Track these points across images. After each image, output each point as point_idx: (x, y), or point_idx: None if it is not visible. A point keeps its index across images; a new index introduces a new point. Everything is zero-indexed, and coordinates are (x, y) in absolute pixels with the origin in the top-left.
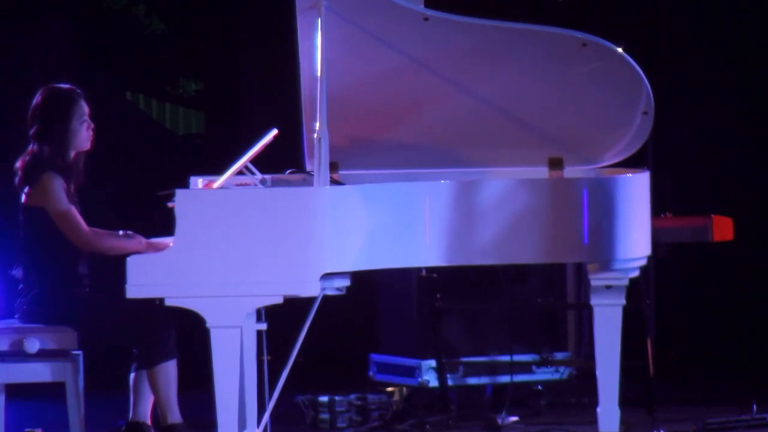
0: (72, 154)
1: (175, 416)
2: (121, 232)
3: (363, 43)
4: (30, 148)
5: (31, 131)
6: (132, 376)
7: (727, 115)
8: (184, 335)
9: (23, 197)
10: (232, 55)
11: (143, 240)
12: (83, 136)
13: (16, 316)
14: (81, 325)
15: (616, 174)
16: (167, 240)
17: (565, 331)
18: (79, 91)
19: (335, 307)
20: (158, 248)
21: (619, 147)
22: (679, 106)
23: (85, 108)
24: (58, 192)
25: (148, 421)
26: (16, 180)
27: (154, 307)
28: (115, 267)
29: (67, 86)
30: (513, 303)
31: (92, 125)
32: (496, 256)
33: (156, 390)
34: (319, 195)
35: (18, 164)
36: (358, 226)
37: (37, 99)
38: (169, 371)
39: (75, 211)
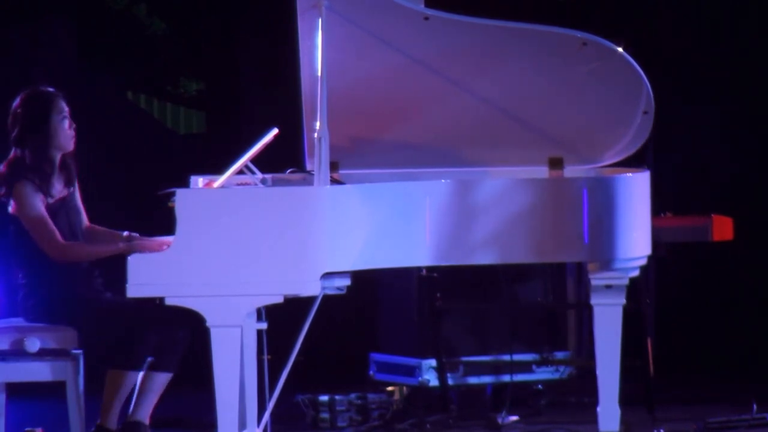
0: (56, 156)
1: (111, 422)
2: (125, 233)
3: (364, 42)
4: (11, 154)
5: (12, 135)
6: (141, 374)
7: (727, 114)
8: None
9: (8, 206)
10: (232, 55)
11: (124, 243)
12: (65, 135)
13: (21, 318)
14: (80, 325)
15: (616, 173)
16: (159, 239)
17: (566, 330)
18: (58, 92)
19: (335, 306)
20: (144, 247)
21: (619, 146)
22: (679, 106)
23: (65, 106)
24: (30, 200)
25: (147, 421)
26: (1, 192)
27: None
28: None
29: (46, 88)
30: (513, 302)
31: (74, 125)
32: (497, 256)
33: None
34: (319, 194)
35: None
36: (359, 226)
37: (15, 102)
38: (116, 379)
39: (47, 221)
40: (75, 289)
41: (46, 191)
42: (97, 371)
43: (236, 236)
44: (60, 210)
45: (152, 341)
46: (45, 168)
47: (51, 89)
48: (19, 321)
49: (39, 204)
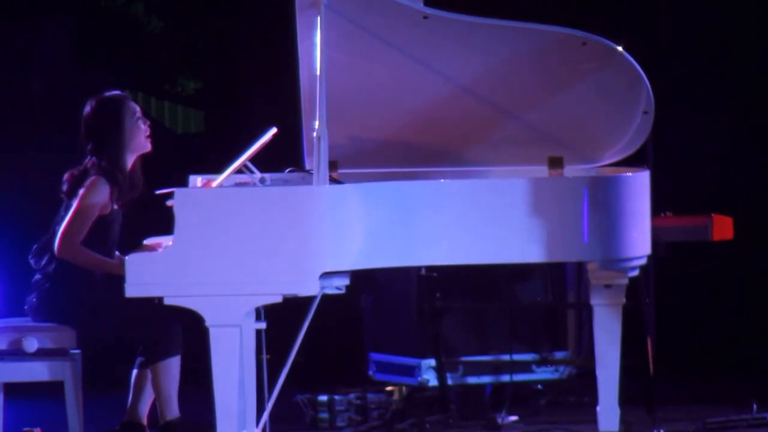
0: (131, 159)
1: (173, 412)
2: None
3: (362, 41)
4: (86, 161)
5: (88, 148)
6: (135, 372)
7: (727, 114)
8: (184, 334)
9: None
10: (231, 53)
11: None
12: (141, 137)
13: (25, 307)
14: (88, 323)
15: (616, 173)
16: (157, 240)
17: (565, 330)
18: (125, 94)
19: (335, 306)
20: None
21: (619, 146)
22: (679, 106)
23: (136, 107)
24: (97, 194)
25: (144, 421)
26: (64, 189)
27: (158, 303)
28: None
29: (114, 92)
30: (513, 302)
31: (147, 122)
32: (496, 255)
33: (157, 386)
34: (318, 194)
35: (66, 176)
36: (358, 225)
37: (86, 112)
38: (172, 368)
39: (88, 221)
40: (87, 288)
41: (114, 198)
42: (95, 371)
43: (235, 236)
44: (114, 220)
45: (149, 337)
46: (117, 176)
47: (118, 92)
48: (17, 321)
49: (98, 203)
